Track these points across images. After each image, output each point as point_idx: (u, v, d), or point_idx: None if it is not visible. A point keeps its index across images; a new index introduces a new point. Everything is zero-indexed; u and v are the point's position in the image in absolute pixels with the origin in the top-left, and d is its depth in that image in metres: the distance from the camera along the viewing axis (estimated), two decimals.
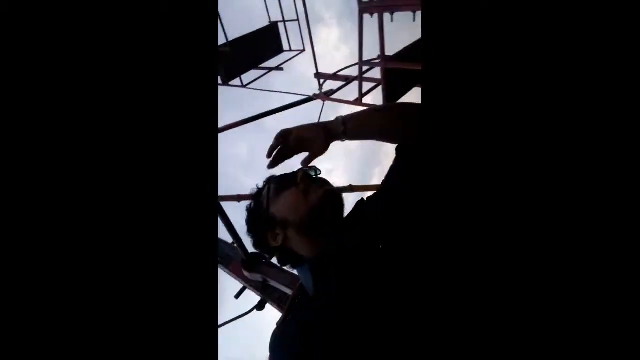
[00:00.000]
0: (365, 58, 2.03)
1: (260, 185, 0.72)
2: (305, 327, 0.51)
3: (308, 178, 0.66)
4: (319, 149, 0.64)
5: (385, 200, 0.66)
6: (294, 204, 0.64)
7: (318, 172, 0.69)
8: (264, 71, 3.25)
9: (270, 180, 0.69)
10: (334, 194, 0.65)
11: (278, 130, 0.64)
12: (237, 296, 1.26)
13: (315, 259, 0.62)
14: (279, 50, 3.42)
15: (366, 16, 1.81)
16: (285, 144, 0.63)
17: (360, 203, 0.69)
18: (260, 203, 0.68)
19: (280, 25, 3.27)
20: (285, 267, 0.78)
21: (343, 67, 2.74)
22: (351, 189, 2.16)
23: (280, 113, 2.78)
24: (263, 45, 3.22)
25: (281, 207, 0.65)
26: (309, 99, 2.73)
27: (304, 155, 0.64)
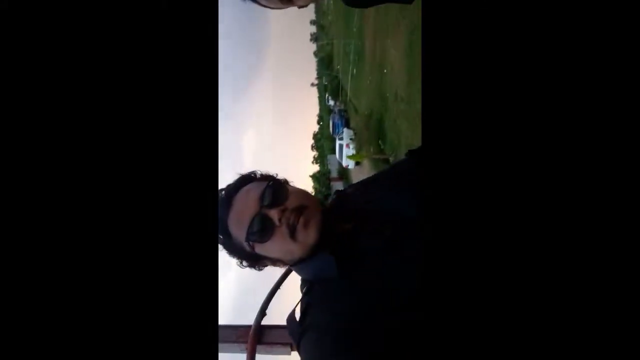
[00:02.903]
0: None
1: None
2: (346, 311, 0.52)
3: (286, 218, 0.59)
4: None
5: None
6: (285, 249, 0.61)
7: (280, 195, 0.61)
8: None
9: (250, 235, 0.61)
10: (314, 219, 0.59)
11: None
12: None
13: (338, 245, 0.60)
14: None
15: None
16: None
17: (343, 195, 0.71)
18: (239, 250, 0.63)
19: None
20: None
21: None
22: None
23: None
24: None
25: (272, 251, 0.62)
26: None
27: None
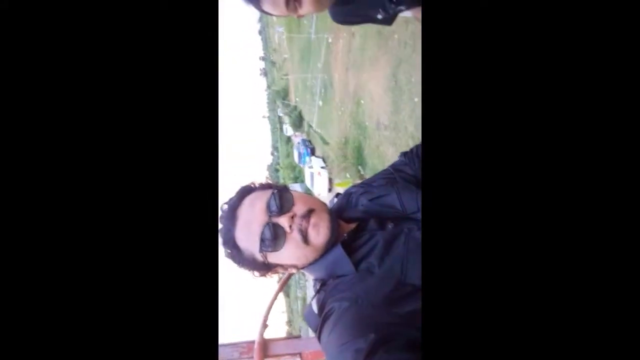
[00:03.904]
0: None
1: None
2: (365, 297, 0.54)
3: (297, 224, 0.60)
4: None
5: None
6: (299, 254, 0.62)
7: (287, 201, 0.61)
8: None
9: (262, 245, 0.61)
10: (324, 220, 0.61)
11: None
12: None
13: (347, 241, 0.63)
14: None
15: None
16: None
17: (346, 196, 0.74)
18: (248, 260, 0.64)
19: None
20: None
21: None
22: None
23: None
24: None
25: (286, 258, 0.63)
26: None
27: None
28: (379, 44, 7.48)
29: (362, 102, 9.13)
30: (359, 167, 9.51)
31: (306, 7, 0.71)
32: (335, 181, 11.42)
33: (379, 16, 0.88)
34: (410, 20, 0.96)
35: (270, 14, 0.76)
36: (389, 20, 0.91)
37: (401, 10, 0.89)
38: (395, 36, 6.45)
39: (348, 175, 10.24)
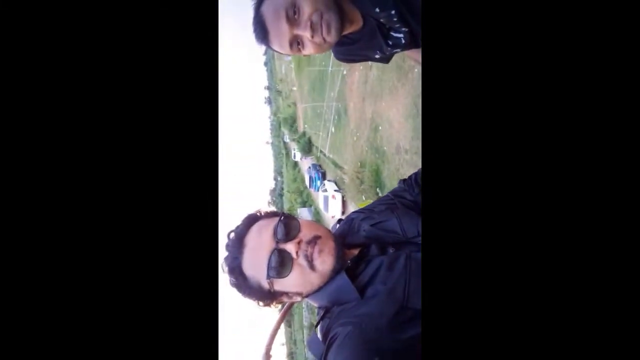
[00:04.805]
0: None
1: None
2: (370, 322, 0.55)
3: (303, 250, 0.63)
4: None
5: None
6: (305, 280, 0.64)
7: (293, 228, 0.64)
8: None
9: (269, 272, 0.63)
10: (329, 247, 0.64)
11: None
12: None
13: (350, 267, 0.66)
14: None
15: None
16: None
17: (348, 222, 0.78)
18: (252, 289, 0.66)
19: None
20: None
21: None
22: None
23: None
24: None
25: (292, 285, 0.65)
26: None
27: None
28: (399, 77, 8.18)
29: (380, 128, 9.75)
30: (377, 190, 9.98)
31: (308, 50, 0.80)
32: (352, 204, 11.86)
33: (377, 56, 0.97)
34: None
35: (280, 52, 0.87)
36: (385, 59, 1.01)
37: (397, 52, 0.97)
38: (416, 70, 7.13)
39: (364, 198, 10.68)
